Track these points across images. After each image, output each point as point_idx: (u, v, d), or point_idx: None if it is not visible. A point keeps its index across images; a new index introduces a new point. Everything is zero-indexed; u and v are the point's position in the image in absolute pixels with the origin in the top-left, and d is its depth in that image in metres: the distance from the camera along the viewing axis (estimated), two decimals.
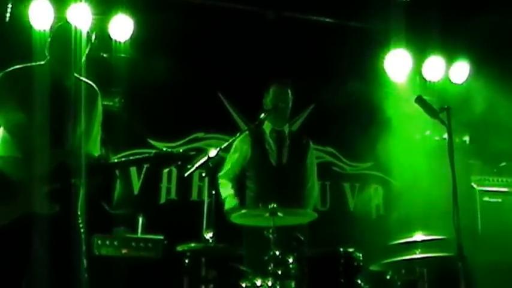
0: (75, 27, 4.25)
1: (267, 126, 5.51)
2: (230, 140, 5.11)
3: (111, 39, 6.91)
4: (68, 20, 6.28)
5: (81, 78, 4.26)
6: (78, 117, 4.11)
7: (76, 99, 4.13)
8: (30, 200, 3.79)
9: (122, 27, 6.87)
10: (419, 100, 4.75)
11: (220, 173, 5.47)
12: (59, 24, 4.35)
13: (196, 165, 4.75)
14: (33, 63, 4.13)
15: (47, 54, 4.16)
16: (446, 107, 4.67)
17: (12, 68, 4.10)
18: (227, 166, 5.50)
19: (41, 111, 3.95)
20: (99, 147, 4.31)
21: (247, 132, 5.54)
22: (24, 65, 4.08)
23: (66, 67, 4.14)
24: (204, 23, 7.10)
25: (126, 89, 6.81)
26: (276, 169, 5.39)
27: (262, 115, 5.13)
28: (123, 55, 6.93)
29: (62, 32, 4.18)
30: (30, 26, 6.54)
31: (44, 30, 6.54)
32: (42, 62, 4.15)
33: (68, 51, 4.10)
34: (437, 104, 7.14)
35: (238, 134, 5.32)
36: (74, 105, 4.10)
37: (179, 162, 4.35)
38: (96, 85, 4.92)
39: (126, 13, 6.85)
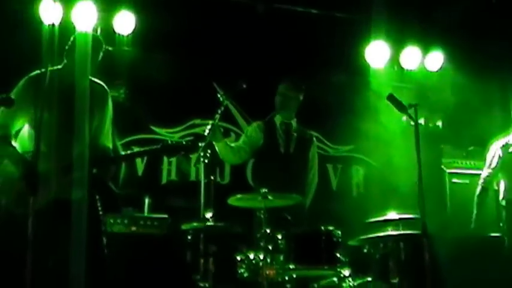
0: (92, 36, 4.75)
1: (277, 119, 5.99)
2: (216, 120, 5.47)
3: (115, 33, 7.08)
4: (74, 22, 6.66)
5: (94, 79, 4.69)
6: (92, 113, 4.57)
7: (90, 98, 4.56)
8: (55, 187, 4.23)
9: (125, 22, 7.06)
10: (390, 98, 5.03)
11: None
12: (77, 33, 4.75)
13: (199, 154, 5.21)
14: (52, 68, 4.44)
15: (64, 60, 4.58)
16: (414, 103, 4.94)
17: (34, 73, 4.50)
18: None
19: (61, 109, 4.40)
20: (111, 140, 4.74)
21: (260, 122, 6.05)
22: (44, 69, 4.36)
23: (82, 71, 4.56)
24: (199, 17, 7.26)
25: (129, 80, 7.01)
26: (283, 157, 5.89)
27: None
28: (126, 48, 7.12)
29: (78, 40, 4.63)
30: (40, 21, 6.65)
31: (53, 25, 6.91)
32: (60, 66, 4.57)
33: (83, 58, 4.53)
34: (413, 91, 7.73)
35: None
36: (88, 103, 4.53)
37: (182, 153, 4.88)
38: (103, 76, 5.28)
39: (128, 9, 7.05)
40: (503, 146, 6.41)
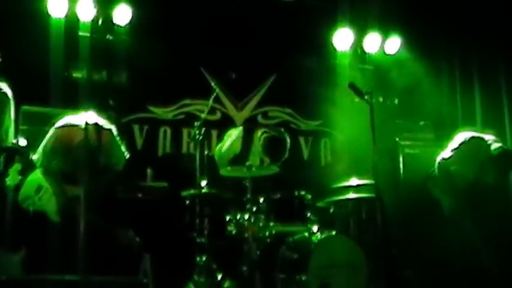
0: None
1: None
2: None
3: (114, 24, 7.56)
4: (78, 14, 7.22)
5: None
6: None
7: None
8: None
9: (122, 14, 7.57)
10: (351, 86, 5.58)
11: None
12: None
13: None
14: None
15: None
16: (370, 91, 5.59)
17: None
18: None
19: None
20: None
21: None
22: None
23: None
24: (189, 8, 7.82)
25: (128, 66, 7.46)
26: None
27: None
28: (124, 37, 7.58)
29: None
30: (48, 14, 7.30)
31: (60, 18, 7.36)
32: None
33: None
34: (373, 72, 8.43)
35: None
36: None
37: None
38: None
39: (126, 2, 7.58)
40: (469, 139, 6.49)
